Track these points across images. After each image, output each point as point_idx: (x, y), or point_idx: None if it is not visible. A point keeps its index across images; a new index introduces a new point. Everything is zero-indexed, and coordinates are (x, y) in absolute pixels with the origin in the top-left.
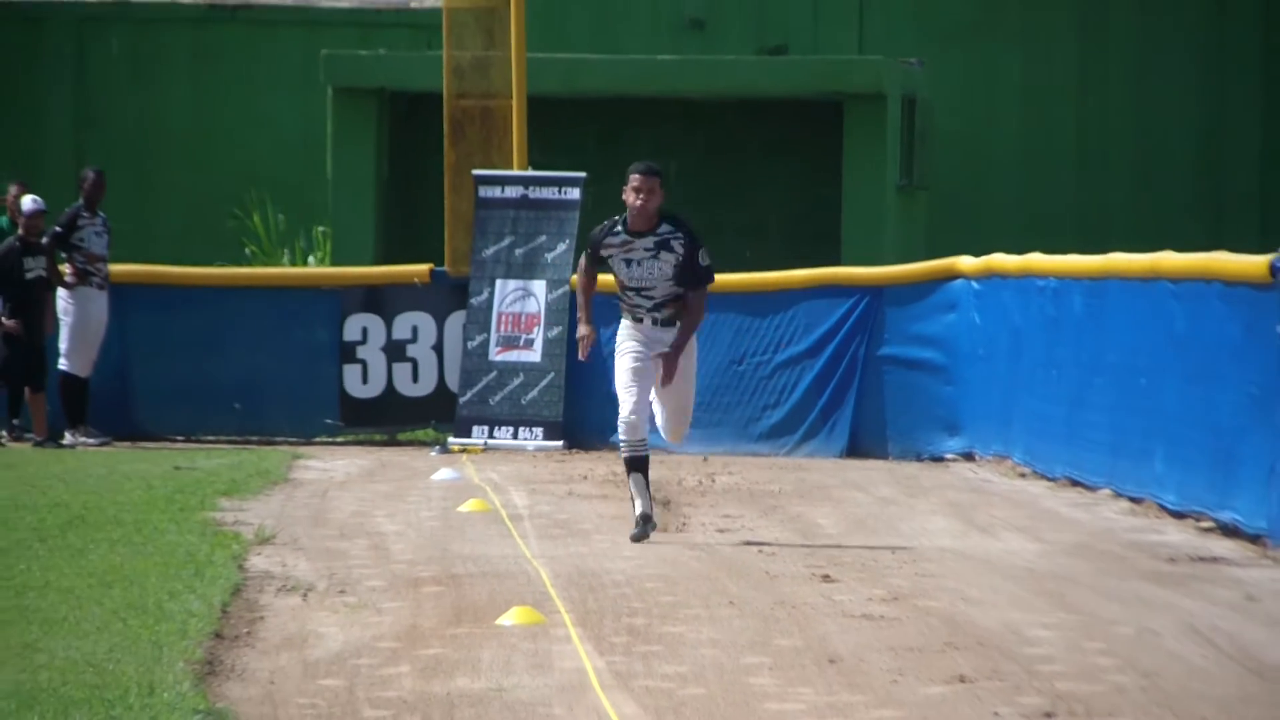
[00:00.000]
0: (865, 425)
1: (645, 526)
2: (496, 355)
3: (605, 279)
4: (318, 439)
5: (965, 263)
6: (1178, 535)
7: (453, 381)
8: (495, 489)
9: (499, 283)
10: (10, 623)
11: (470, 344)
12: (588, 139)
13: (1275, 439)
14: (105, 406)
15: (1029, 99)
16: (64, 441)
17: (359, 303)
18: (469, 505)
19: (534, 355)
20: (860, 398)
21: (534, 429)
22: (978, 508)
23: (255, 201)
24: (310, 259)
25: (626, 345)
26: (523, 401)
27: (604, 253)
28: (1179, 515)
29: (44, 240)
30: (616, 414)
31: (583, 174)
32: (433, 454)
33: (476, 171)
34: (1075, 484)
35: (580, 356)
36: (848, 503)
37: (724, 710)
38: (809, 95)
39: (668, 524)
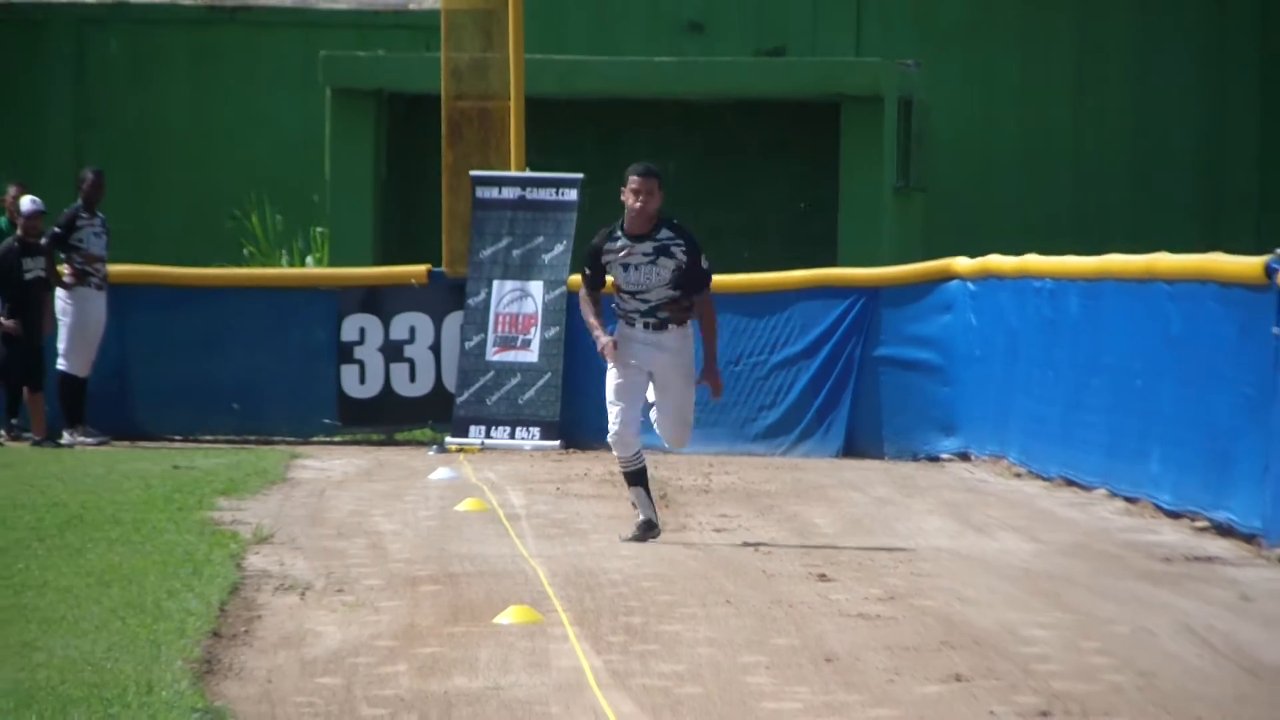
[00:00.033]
0: (861, 425)
1: (646, 532)
2: (494, 355)
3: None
4: (315, 439)
5: (961, 264)
6: (1173, 535)
7: (450, 381)
8: (492, 488)
9: (496, 283)
10: (9, 621)
11: (467, 344)
12: (585, 140)
13: (1270, 439)
14: (104, 406)
15: (1027, 100)
16: (62, 441)
17: (357, 303)
18: (466, 505)
19: (531, 355)
20: (856, 398)
21: (531, 429)
22: (974, 508)
23: (254, 202)
24: (308, 259)
25: (617, 375)
26: (520, 401)
27: (605, 259)
28: (1174, 515)
29: (43, 241)
30: None
31: (580, 175)
32: (430, 454)
33: (474, 172)
34: (1071, 484)
35: (611, 361)
36: (844, 502)
37: (721, 709)
38: (806, 97)
39: (665, 522)
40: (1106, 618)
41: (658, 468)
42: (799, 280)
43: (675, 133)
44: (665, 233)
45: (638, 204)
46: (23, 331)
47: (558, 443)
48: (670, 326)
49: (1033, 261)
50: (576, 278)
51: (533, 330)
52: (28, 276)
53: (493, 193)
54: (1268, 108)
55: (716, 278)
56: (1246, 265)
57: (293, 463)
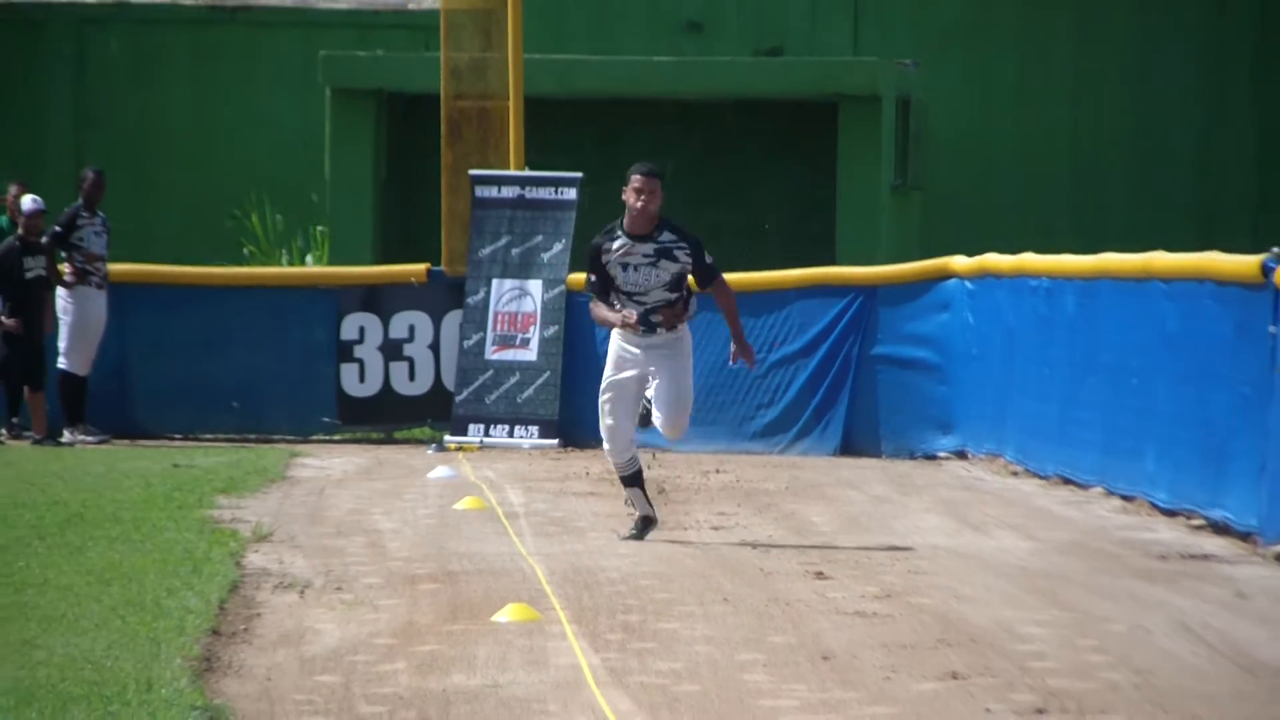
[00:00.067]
0: (859, 424)
1: (644, 527)
2: (493, 354)
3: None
4: (315, 437)
5: (959, 262)
6: (1169, 533)
7: (449, 380)
8: (491, 487)
9: (495, 282)
10: (9, 619)
11: (466, 343)
12: (585, 140)
13: (1266, 438)
14: (104, 405)
15: (1025, 100)
16: (63, 439)
17: (356, 302)
18: (465, 503)
19: (530, 354)
20: (854, 396)
21: (530, 427)
22: (970, 506)
23: (254, 202)
24: (308, 259)
25: (612, 361)
26: (518, 400)
27: (604, 258)
28: (1170, 513)
29: (44, 240)
30: None
31: (579, 174)
32: (429, 452)
33: (473, 171)
34: (1067, 482)
35: (632, 324)
36: (841, 501)
37: (718, 706)
38: (804, 96)
39: (664, 521)
40: (1103, 615)
41: (657, 466)
42: (797, 279)
43: (674, 132)
44: (667, 235)
45: (639, 204)
46: (24, 330)
47: (556, 441)
48: (660, 331)
49: (1030, 260)
50: (576, 276)
51: (531, 329)
52: (29, 275)
53: (492, 192)
54: (1265, 108)
55: None
56: (1243, 264)
57: (292, 461)
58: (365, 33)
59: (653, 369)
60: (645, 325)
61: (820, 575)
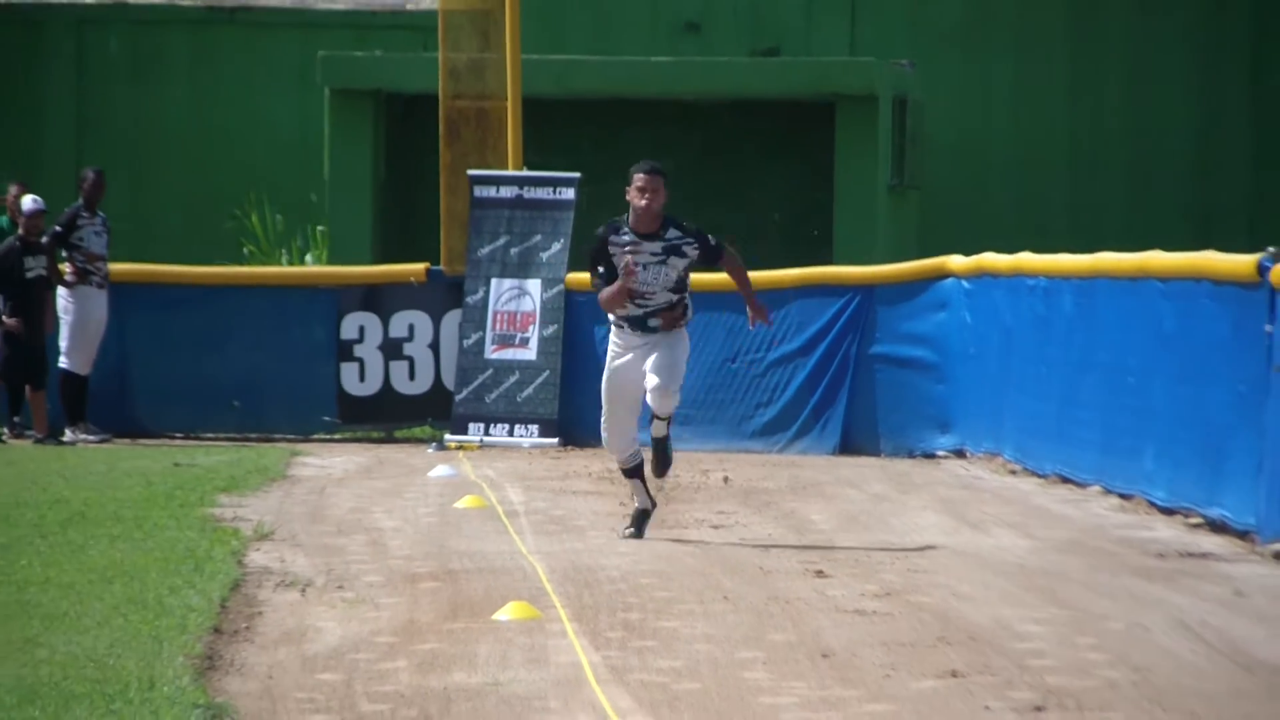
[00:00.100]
0: (857, 423)
1: (641, 521)
2: (492, 353)
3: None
4: (316, 436)
5: (956, 262)
6: (1167, 531)
7: (449, 379)
8: (491, 485)
9: (494, 281)
10: (12, 618)
11: (466, 342)
12: (583, 140)
13: (1263, 436)
14: (105, 404)
15: (1022, 100)
16: (64, 439)
17: (356, 302)
18: (465, 502)
19: (529, 353)
20: (852, 396)
21: (529, 426)
22: (969, 504)
23: (253, 201)
24: (308, 258)
25: (610, 357)
26: (518, 399)
27: (611, 250)
28: (1168, 511)
29: (44, 240)
30: None
31: (577, 174)
32: (429, 451)
33: (472, 172)
34: (1065, 481)
35: (631, 280)
36: (840, 499)
37: (718, 704)
38: (802, 96)
39: (664, 520)
40: (1101, 613)
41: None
42: (795, 279)
43: (672, 132)
44: (673, 232)
45: (644, 202)
46: (25, 330)
47: (556, 440)
48: (659, 332)
49: (1027, 260)
50: (574, 275)
51: (531, 328)
52: (29, 275)
53: (490, 192)
54: (1262, 109)
55: (712, 276)
56: (1239, 263)
57: (293, 460)
58: (364, 33)
59: (648, 355)
60: (643, 328)
61: (820, 573)
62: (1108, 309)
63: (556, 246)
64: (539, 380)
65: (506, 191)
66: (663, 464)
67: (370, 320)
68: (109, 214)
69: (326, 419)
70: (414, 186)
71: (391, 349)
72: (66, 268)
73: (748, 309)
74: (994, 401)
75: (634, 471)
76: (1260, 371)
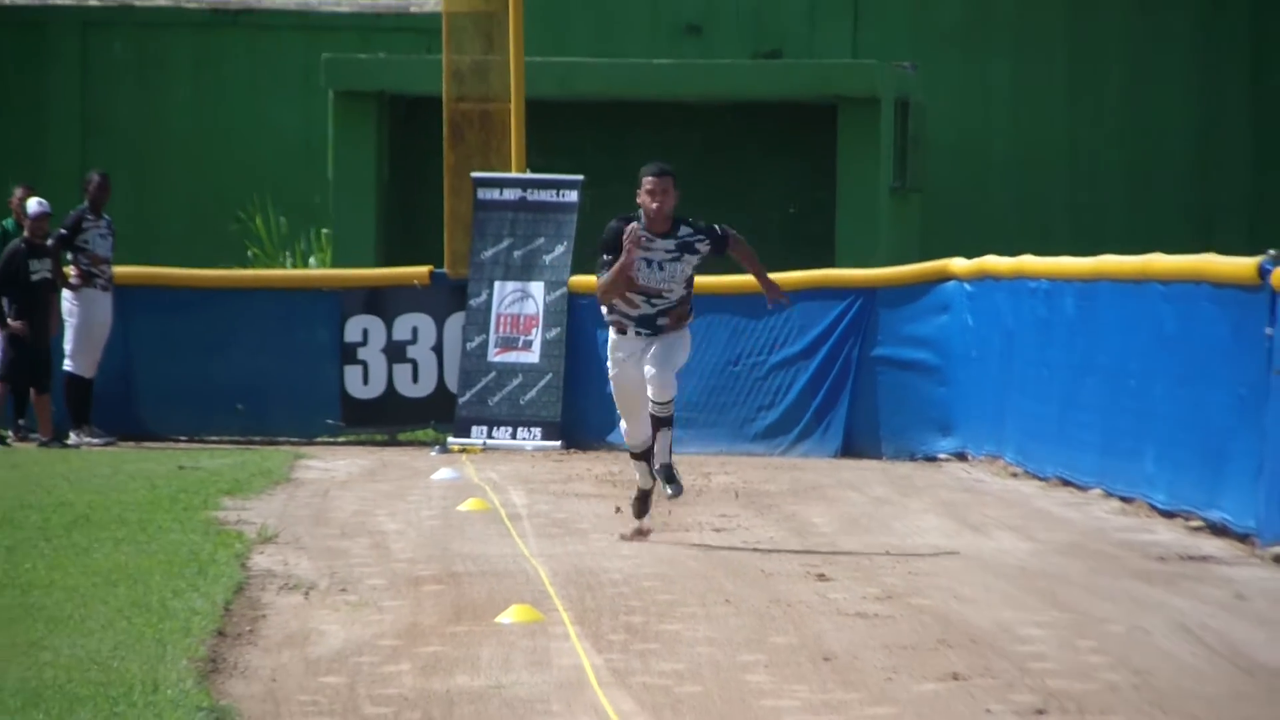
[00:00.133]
0: (859, 425)
1: (642, 505)
2: (495, 356)
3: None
4: (319, 439)
5: (958, 265)
6: (1168, 534)
7: (452, 382)
8: (494, 488)
9: (497, 284)
10: (16, 620)
11: (469, 345)
12: (586, 142)
13: (1263, 439)
14: (109, 407)
15: (1023, 102)
16: (69, 441)
17: (360, 304)
18: (468, 504)
19: (532, 356)
20: (854, 398)
21: (532, 429)
22: (970, 507)
23: (257, 204)
24: (311, 261)
25: (614, 370)
26: (521, 402)
27: (625, 242)
28: (1169, 514)
29: (49, 242)
30: (613, 414)
31: (580, 176)
32: (432, 454)
33: (475, 174)
34: (1067, 483)
35: (630, 258)
36: (842, 502)
37: (720, 707)
38: (804, 98)
39: (666, 523)
40: (1102, 616)
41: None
42: (797, 281)
43: (675, 134)
44: (685, 230)
45: (655, 204)
46: (29, 332)
47: (559, 443)
48: (663, 332)
49: (1028, 262)
50: (577, 278)
51: (534, 331)
52: (34, 278)
53: (494, 194)
54: (1262, 109)
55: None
56: (1240, 266)
57: (297, 463)
58: (367, 35)
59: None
60: (651, 326)
61: (821, 576)
62: (1109, 311)
63: (560, 249)
64: (542, 383)
65: (510, 194)
66: (669, 480)
67: (374, 323)
68: (114, 216)
69: (330, 422)
70: (417, 189)
71: (395, 352)
72: (71, 270)
73: (764, 290)
74: (996, 404)
75: (642, 456)
76: (1261, 374)
